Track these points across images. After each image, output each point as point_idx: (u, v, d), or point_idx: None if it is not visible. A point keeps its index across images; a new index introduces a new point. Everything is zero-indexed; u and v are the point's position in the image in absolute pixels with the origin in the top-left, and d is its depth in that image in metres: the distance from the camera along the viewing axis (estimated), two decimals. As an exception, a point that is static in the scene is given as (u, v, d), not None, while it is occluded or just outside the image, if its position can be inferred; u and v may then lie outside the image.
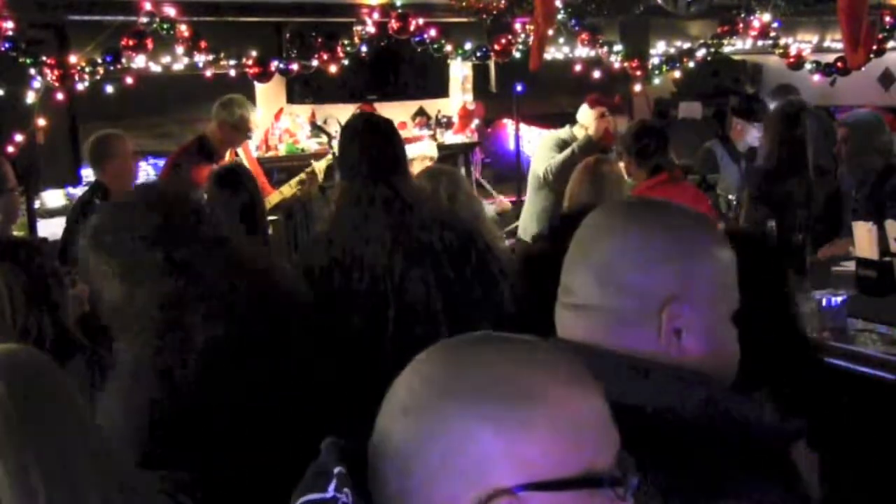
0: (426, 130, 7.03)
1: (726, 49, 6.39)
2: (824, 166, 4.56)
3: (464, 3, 5.72)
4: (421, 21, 5.41)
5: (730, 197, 4.93)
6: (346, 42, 5.37)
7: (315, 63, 5.33)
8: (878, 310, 3.51)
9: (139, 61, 4.71)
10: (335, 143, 4.38)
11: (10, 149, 4.45)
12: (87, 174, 5.01)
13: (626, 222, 1.19)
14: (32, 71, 4.47)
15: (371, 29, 5.40)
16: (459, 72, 7.18)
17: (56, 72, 4.48)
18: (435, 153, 5.76)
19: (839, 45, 5.91)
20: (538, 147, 5.72)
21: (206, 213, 2.11)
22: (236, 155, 5.14)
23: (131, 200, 2.12)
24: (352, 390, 2.50)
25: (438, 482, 0.82)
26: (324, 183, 5.20)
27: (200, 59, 4.84)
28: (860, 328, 3.42)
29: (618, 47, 5.86)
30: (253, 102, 5.49)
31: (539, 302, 1.29)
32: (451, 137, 7.17)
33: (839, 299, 3.44)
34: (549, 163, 5.31)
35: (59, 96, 4.65)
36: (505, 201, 6.50)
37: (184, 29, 4.71)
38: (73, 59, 4.59)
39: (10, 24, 4.35)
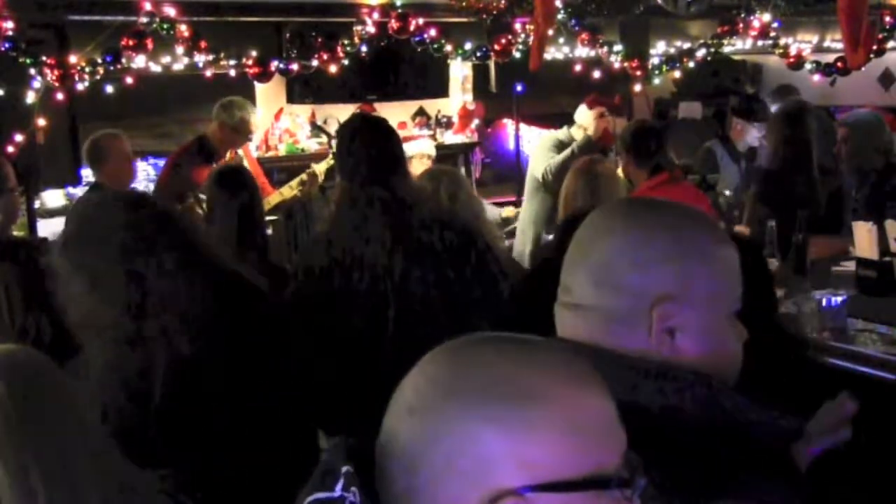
0: (426, 130, 7.01)
1: (726, 49, 6.38)
2: (826, 166, 4.55)
3: (464, 3, 5.71)
4: (421, 21, 5.40)
5: (727, 192, 4.92)
6: (346, 42, 5.36)
7: (315, 63, 5.32)
8: (878, 310, 3.50)
9: (139, 61, 4.70)
10: (335, 143, 4.37)
11: (10, 149, 4.44)
12: (87, 174, 5.02)
13: (627, 222, 1.18)
14: (32, 71, 4.47)
15: (371, 29, 5.39)
16: (459, 72, 7.16)
17: (56, 72, 4.48)
18: (433, 151, 5.75)
19: (839, 45, 5.90)
20: (535, 149, 5.70)
21: (173, 221, 2.13)
22: (237, 154, 5.15)
23: (98, 212, 2.13)
24: (352, 390, 2.51)
25: (444, 482, 0.82)
26: (324, 183, 5.19)
27: (200, 59, 4.84)
28: (860, 328, 3.41)
29: (618, 47, 5.85)
30: (253, 102, 5.48)
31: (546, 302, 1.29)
32: (450, 137, 7.16)
33: (839, 299, 3.43)
34: (549, 164, 5.28)
35: (59, 96, 4.65)
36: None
37: (184, 29, 4.71)
38: (73, 59, 4.58)
39: (10, 24, 4.34)
